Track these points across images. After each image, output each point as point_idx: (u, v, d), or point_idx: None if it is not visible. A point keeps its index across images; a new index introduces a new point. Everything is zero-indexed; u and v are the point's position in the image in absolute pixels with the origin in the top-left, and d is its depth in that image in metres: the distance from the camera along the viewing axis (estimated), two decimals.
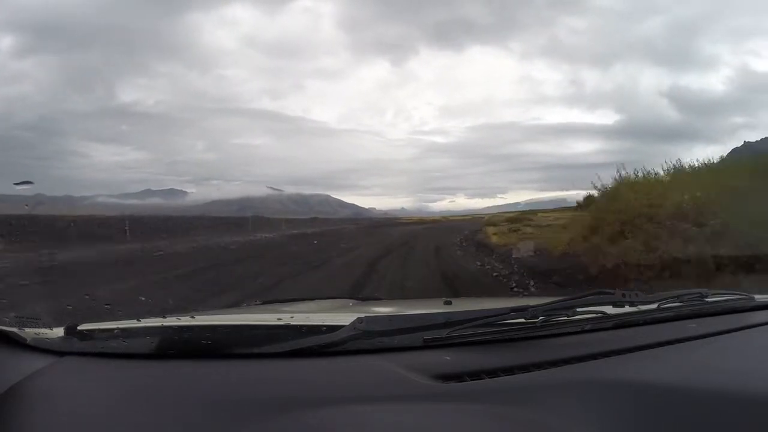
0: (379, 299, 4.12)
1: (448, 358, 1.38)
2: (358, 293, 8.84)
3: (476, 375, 1.29)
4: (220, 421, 1.11)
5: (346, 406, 1.15)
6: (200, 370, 1.36)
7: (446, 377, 1.27)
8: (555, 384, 1.25)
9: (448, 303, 2.27)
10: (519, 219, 40.75)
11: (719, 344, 1.64)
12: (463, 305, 2.50)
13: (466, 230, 36.41)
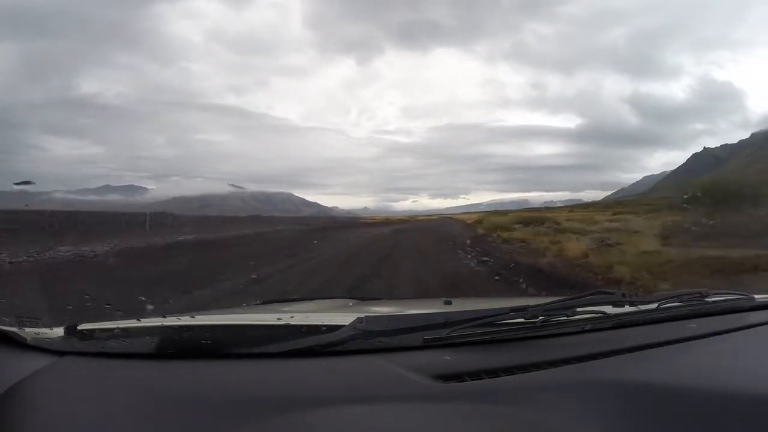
0: (379, 299, 4.13)
1: (448, 358, 1.38)
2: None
3: (476, 375, 1.29)
4: (220, 421, 1.11)
5: (346, 406, 1.15)
6: (200, 370, 1.36)
7: (446, 377, 1.27)
8: (555, 384, 1.25)
9: (448, 303, 2.26)
10: (540, 219, 34.23)
11: (719, 344, 1.64)
12: (463, 305, 2.49)
13: (457, 235, 29.55)
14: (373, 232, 36.51)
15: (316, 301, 3.09)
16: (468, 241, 23.50)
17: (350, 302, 2.95)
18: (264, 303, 3.52)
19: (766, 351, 1.65)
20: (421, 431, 1.10)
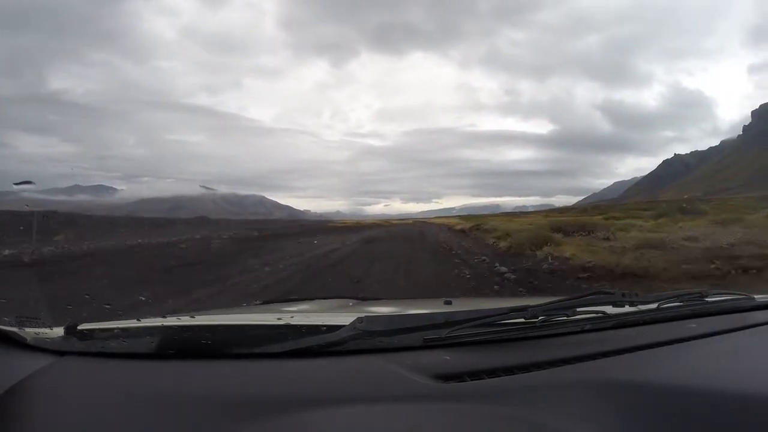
0: (379, 299, 4.11)
1: (448, 358, 1.38)
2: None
3: (476, 375, 1.29)
4: (220, 421, 1.11)
5: (346, 406, 1.15)
6: (200, 370, 1.36)
7: (446, 377, 1.27)
8: (555, 384, 1.25)
9: (448, 303, 2.26)
10: (577, 225, 22.84)
11: (719, 344, 1.64)
12: (463, 305, 2.50)
13: (465, 251, 18.94)
14: (332, 245, 23.50)
15: (317, 301, 3.09)
16: (508, 273, 12.15)
17: (350, 302, 2.94)
18: (264, 303, 3.53)
19: (766, 351, 1.66)
20: (421, 431, 1.10)
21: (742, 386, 1.21)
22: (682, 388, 1.20)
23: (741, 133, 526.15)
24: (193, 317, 1.77)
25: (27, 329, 1.53)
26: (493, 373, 1.30)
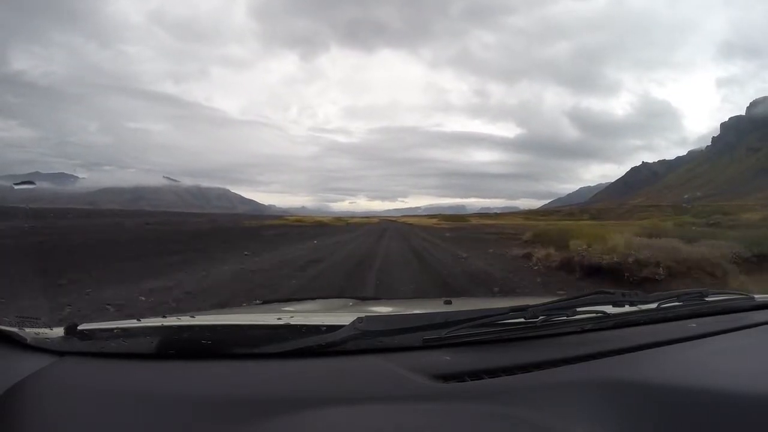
0: (379, 299, 4.15)
1: (448, 358, 1.38)
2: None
3: (476, 375, 1.29)
4: (221, 421, 1.10)
5: (346, 406, 1.15)
6: (200, 370, 1.36)
7: (446, 377, 1.28)
8: (555, 384, 1.26)
9: (448, 303, 2.27)
10: None
11: (719, 344, 1.65)
12: (463, 305, 2.49)
13: None
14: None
15: (317, 301, 3.07)
16: None
17: (350, 302, 2.95)
18: (264, 303, 3.53)
19: (766, 351, 1.67)
20: (421, 431, 1.10)
21: (742, 386, 1.22)
22: (682, 388, 1.21)
23: (710, 144, 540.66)
24: (193, 317, 1.77)
25: (27, 329, 1.53)
26: (493, 373, 1.31)
